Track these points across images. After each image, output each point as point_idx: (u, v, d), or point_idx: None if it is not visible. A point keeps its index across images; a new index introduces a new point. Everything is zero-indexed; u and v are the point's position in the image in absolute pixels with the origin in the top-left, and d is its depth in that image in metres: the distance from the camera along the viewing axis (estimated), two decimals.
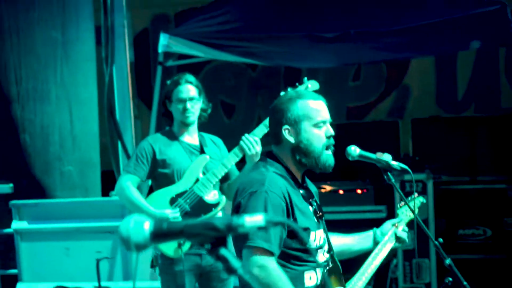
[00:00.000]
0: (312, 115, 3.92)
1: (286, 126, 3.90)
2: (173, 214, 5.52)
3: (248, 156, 5.46)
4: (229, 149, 5.71)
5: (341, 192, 8.15)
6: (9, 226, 7.98)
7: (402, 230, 4.33)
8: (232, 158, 5.58)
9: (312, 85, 5.52)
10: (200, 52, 7.86)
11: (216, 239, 2.10)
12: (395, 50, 7.40)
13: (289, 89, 5.31)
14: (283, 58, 7.90)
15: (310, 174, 4.04)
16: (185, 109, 5.68)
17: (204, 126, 5.93)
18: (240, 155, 5.55)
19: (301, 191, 3.93)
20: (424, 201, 4.65)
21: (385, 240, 4.22)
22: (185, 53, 8.03)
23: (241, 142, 5.48)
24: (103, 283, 7.24)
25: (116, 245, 7.89)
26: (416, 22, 7.10)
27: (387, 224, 4.33)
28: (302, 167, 3.96)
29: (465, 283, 4.27)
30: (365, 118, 10.54)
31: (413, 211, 4.38)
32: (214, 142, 5.93)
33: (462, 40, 7.37)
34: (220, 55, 7.90)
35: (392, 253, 7.73)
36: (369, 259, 4.18)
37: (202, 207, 5.61)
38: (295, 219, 3.79)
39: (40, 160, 8.64)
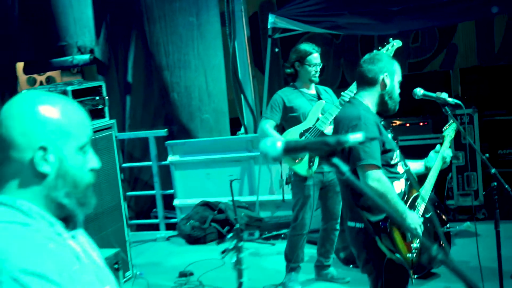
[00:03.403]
0: (401, 75, 4.12)
1: (387, 73, 3.99)
2: None
3: None
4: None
5: (407, 125, 8.25)
6: (166, 159, 8.44)
7: (447, 148, 4.41)
8: (335, 109, 5.72)
9: (396, 43, 5.55)
10: (299, 27, 7.98)
11: (329, 152, 2.26)
12: (442, 18, 7.42)
13: (381, 49, 5.38)
14: (360, 28, 7.96)
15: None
16: (316, 72, 5.91)
17: None
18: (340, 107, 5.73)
19: (382, 123, 4.03)
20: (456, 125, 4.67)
21: (436, 164, 4.31)
22: (287, 28, 8.13)
23: (341, 100, 5.71)
24: (235, 198, 7.41)
25: (244, 170, 8.35)
26: None
27: (432, 153, 4.40)
28: (380, 107, 4.04)
29: (506, 186, 4.44)
30: (423, 70, 10.50)
31: (461, 130, 4.48)
32: (326, 91, 6.15)
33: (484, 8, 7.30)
34: (313, 28, 8.03)
35: (448, 169, 7.81)
36: (430, 176, 4.26)
37: None
38: (384, 142, 3.94)
39: (185, 111, 8.90)
